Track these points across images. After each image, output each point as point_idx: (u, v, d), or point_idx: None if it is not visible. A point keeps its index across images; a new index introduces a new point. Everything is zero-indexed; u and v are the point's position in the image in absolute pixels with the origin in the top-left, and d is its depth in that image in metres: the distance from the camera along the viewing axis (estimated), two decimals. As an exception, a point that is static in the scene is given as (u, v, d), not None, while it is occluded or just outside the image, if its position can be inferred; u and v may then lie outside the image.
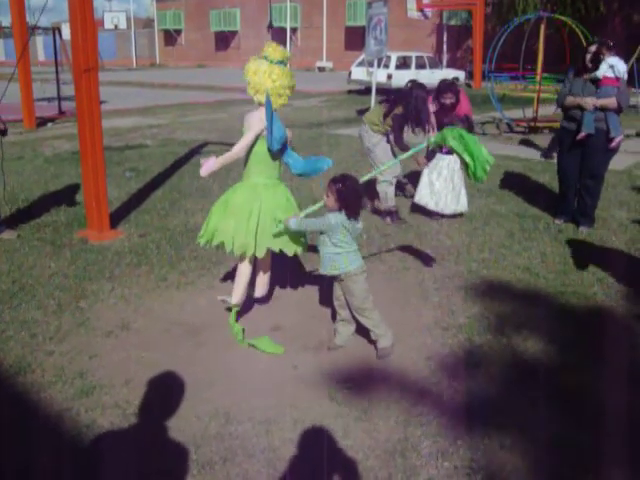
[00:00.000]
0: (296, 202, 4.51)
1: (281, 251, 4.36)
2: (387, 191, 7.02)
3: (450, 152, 6.84)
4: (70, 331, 4.44)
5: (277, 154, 4.35)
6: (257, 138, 4.25)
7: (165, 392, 3.72)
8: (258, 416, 3.46)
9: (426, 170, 7.04)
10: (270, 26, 41.08)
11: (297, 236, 4.37)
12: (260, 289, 4.74)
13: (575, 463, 3.12)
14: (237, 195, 4.35)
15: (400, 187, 7.94)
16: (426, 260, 5.81)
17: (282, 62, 4.23)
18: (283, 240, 4.32)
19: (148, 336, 4.41)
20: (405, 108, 6.73)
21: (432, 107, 7.15)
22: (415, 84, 7.17)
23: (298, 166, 4.41)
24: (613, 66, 6.30)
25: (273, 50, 4.21)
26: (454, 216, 7.10)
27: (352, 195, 3.93)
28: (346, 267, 4.02)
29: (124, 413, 3.49)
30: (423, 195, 7.04)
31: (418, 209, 7.25)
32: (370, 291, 4.14)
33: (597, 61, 6.33)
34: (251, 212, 4.24)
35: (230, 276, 5.03)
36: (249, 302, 4.76)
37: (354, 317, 4.21)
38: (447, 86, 7.20)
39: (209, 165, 4.19)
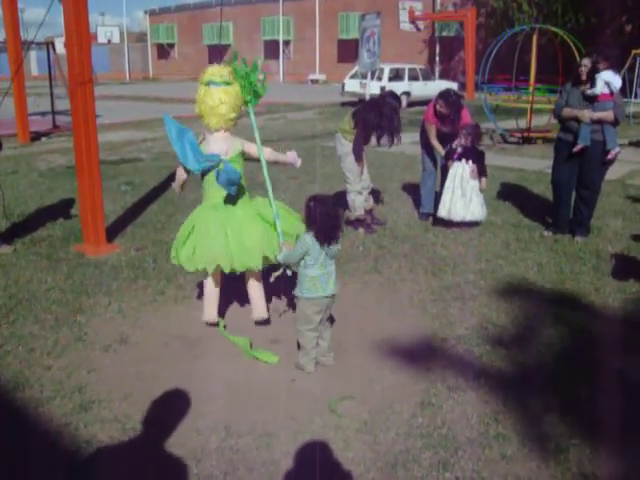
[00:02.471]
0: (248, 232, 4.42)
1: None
2: (355, 199, 7.02)
3: (460, 158, 6.92)
4: (68, 346, 4.43)
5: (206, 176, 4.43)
6: None
7: (164, 406, 3.71)
8: (258, 429, 3.45)
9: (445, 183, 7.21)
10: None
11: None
12: (255, 311, 4.70)
13: (575, 473, 3.13)
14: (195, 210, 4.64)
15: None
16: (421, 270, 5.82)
17: (211, 82, 4.33)
18: (203, 259, 4.40)
19: (146, 350, 4.40)
20: (376, 116, 6.77)
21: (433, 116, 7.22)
22: (388, 92, 7.22)
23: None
24: (609, 83, 6.30)
25: (204, 73, 4.38)
26: (470, 224, 7.08)
27: (320, 217, 3.81)
28: (303, 292, 3.95)
29: (123, 428, 3.48)
30: (439, 208, 7.21)
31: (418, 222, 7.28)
32: (311, 322, 4.01)
33: (593, 74, 6.31)
34: (192, 226, 4.48)
35: (226, 291, 5.01)
36: (249, 317, 4.76)
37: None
38: (442, 93, 7.24)
39: None
